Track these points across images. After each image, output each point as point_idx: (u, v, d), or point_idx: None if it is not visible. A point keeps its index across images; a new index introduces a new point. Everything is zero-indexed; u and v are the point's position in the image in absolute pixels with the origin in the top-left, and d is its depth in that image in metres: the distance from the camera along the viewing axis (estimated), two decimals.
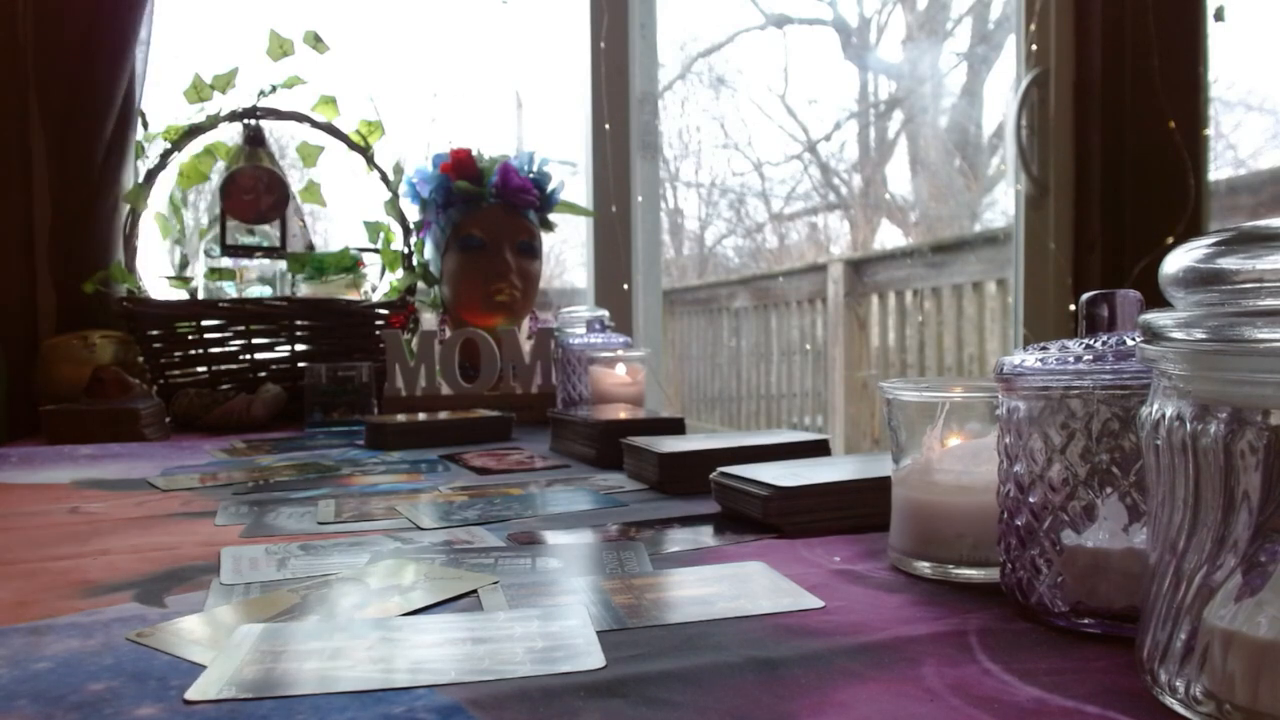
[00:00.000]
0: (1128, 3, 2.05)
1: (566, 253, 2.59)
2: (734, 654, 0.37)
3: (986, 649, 0.37)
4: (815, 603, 0.43)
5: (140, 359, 1.40)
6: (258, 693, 0.33)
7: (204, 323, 1.37)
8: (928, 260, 3.35)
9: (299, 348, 1.42)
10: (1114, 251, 2.11)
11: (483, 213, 1.48)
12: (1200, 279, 0.29)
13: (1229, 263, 0.29)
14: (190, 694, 0.33)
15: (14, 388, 1.34)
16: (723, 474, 0.65)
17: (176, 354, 1.38)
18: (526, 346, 1.38)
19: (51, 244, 1.45)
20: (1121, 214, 2.09)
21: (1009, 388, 0.41)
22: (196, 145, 1.45)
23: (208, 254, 1.45)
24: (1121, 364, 0.38)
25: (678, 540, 0.57)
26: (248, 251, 1.44)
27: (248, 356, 1.40)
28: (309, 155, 1.53)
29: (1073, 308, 2.08)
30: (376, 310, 1.46)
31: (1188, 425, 0.30)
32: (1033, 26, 2.14)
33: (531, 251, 1.52)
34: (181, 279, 1.44)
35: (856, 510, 0.59)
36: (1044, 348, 0.41)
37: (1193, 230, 1.97)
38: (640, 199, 1.95)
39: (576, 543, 0.57)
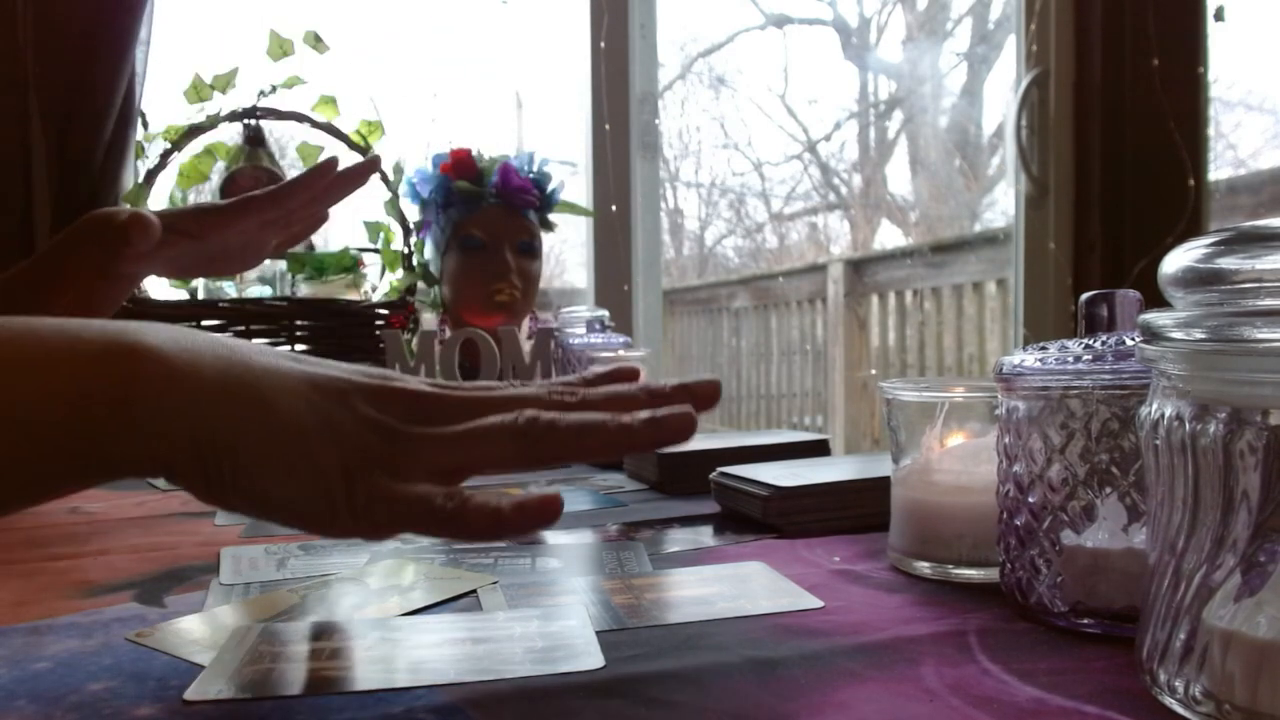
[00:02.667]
0: (1128, 3, 2.05)
1: (566, 253, 2.59)
2: (734, 654, 0.37)
3: (986, 649, 0.37)
4: (815, 603, 0.43)
5: None
6: (257, 693, 0.33)
7: (204, 323, 1.37)
8: (928, 260, 3.35)
9: (299, 348, 1.42)
10: (1114, 251, 2.11)
11: (483, 213, 1.48)
12: (1199, 279, 0.29)
13: (1228, 263, 0.29)
14: (189, 694, 0.33)
15: None
16: (723, 474, 0.65)
17: None
18: (526, 346, 1.38)
19: None
20: (1121, 214, 2.09)
21: (1008, 388, 0.41)
22: (196, 145, 1.45)
23: None
24: (1121, 364, 0.38)
25: (677, 540, 0.57)
26: None
27: None
28: (309, 155, 1.53)
29: (1073, 308, 2.08)
30: (376, 310, 1.46)
31: (1187, 425, 0.30)
32: (1033, 26, 2.14)
33: (532, 251, 1.52)
34: (181, 279, 1.43)
35: (856, 510, 0.59)
36: (1043, 348, 0.41)
37: (1193, 230, 1.97)
38: (640, 199, 1.95)
39: (576, 543, 0.57)
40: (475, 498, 0.35)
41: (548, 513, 0.35)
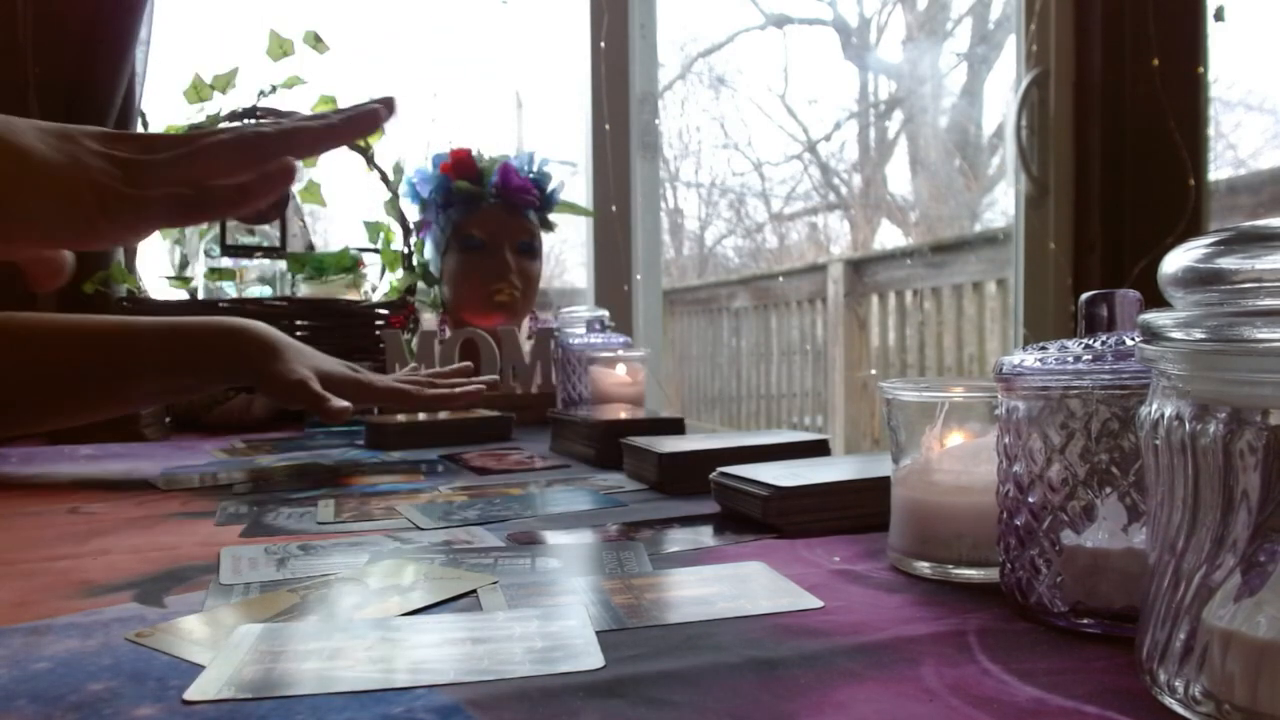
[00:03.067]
0: (1127, 3, 2.05)
1: (566, 253, 2.59)
2: (733, 654, 0.37)
3: (986, 649, 0.37)
4: (815, 603, 0.43)
5: None
6: (257, 693, 0.33)
7: None
8: (928, 260, 3.35)
9: None
10: (1114, 251, 2.11)
11: (483, 213, 1.48)
12: (1199, 279, 0.29)
13: (1228, 263, 0.29)
14: (189, 694, 0.33)
15: None
16: (722, 474, 0.65)
17: None
18: (526, 346, 1.38)
19: None
20: (1121, 214, 2.09)
21: (1008, 388, 0.41)
22: None
23: (208, 254, 1.45)
24: (1121, 364, 0.38)
25: (677, 540, 0.57)
26: (248, 251, 1.44)
27: None
28: None
29: (1073, 308, 2.07)
30: (376, 310, 1.46)
31: (1187, 425, 0.30)
32: (1033, 26, 2.14)
33: (531, 251, 1.52)
34: (181, 279, 1.43)
35: (856, 510, 0.59)
36: (1043, 348, 0.41)
37: (1193, 230, 1.97)
38: (640, 199, 1.95)
39: (576, 543, 0.57)
40: (216, 184, 0.45)
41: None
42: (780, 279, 4.12)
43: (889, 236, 4.84)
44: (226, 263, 1.44)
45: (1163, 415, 0.31)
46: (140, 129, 1.47)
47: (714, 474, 0.65)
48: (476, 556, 0.53)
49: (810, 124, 5.02)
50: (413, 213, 1.54)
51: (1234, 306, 0.28)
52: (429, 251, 1.54)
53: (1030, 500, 0.40)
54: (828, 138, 5.11)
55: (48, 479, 0.86)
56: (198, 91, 1.44)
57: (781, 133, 5.11)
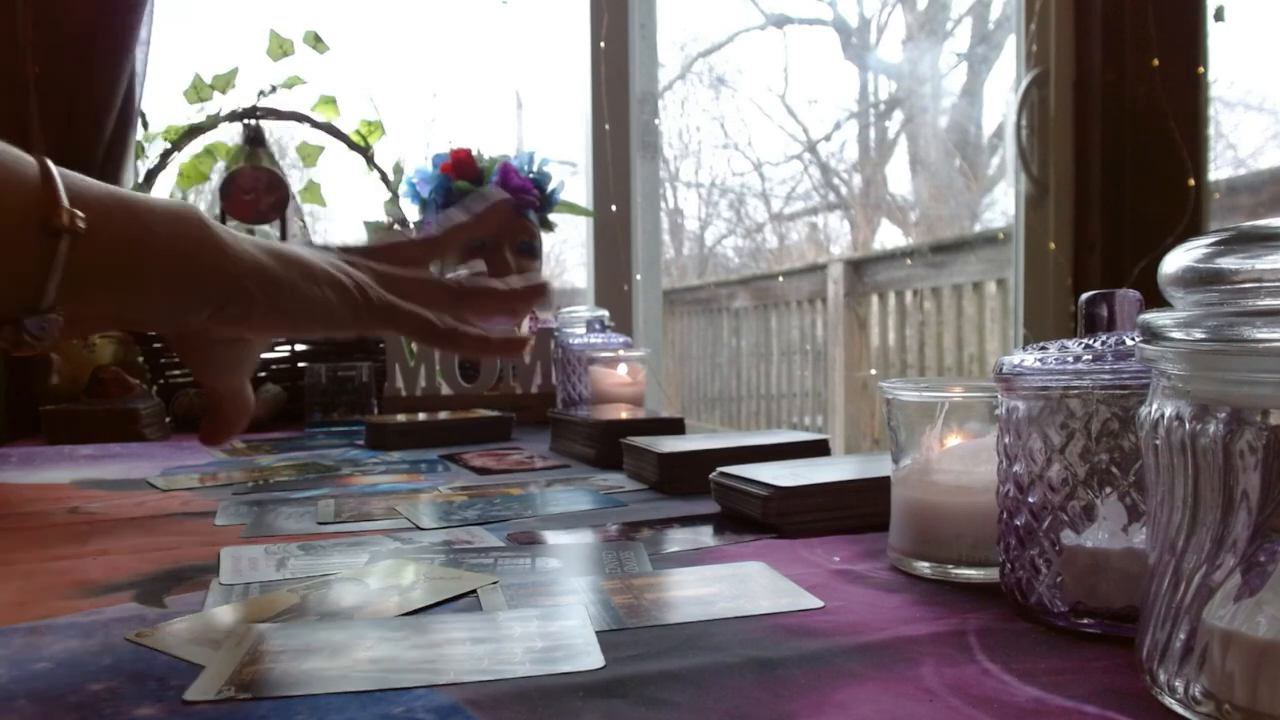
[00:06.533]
0: (1128, 3, 2.05)
1: (566, 253, 2.59)
2: (733, 654, 0.37)
3: (986, 649, 0.37)
4: (815, 603, 0.43)
5: (140, 359, 1.40)
6: (257, 693, 0.33)
7: None
8: (928, 260, 3.35)
9: (299, 348, 1.42)
10: (1114, 251, 2.11)
11: None
12: (1199, 279, 0.29)
13: (1228, 262, 0.29)
14: (189, 694, 0.33)
15: (14, 388, 1.34)
16: (722, 474, 0.65)
17: (176, 354, 1.38)
18: None
19: None
20: (1121, 214, 2.10)
21: (1008, 388, 0.41)
22: (196, 145, 1.45)
23: None
24: (1121, 364, 0.38)
25: (677, 540, 0.57)
26: None
27: None
28: (309, 155, 1.53)
29: (1073, 308, 2.07)
30: None
31: (1187, 425, 0.30)
32: (1033, 26, 2.14)
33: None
34: None
35: (856, 510, 0.59)
36: (1043, 348, 0.41)
37: (1193, 230, 1.97)
38: (640, 199, 1.95)
39: (576, 543, 0.57)
40: (467, 328, 0.53)
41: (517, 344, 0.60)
42: (780, 279, 4.12)
43: (889, 236, 4.84)
44: None
45: (1163, 415, 0.31)
46: (140, 129, 1.48)
47: (714, 474, 0.65)
48: (476, 556, 0.53)
49: (810, 124, 5.02)
50: (413, 213, 1.54)
51: (1234, 306, 0.28)
52: None
53: (1030, 500, 0.40)
54: (828, 138, 5.11)
55: (48, 479, 0.86)
56: (198, 91, 1.44)
57: (781, 133, 5.11)
